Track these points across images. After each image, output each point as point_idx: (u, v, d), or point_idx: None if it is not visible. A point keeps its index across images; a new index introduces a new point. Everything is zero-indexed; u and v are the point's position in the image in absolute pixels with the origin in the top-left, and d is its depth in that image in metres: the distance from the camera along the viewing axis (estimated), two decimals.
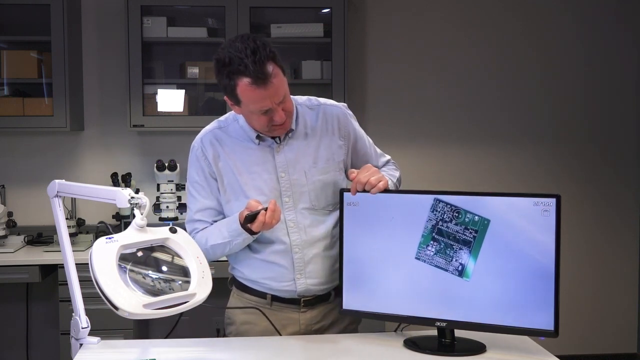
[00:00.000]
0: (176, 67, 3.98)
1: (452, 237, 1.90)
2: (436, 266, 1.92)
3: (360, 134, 2.18)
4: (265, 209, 1.89)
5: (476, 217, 1.88)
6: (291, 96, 2.04)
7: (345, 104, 2.18)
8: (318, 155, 2.07)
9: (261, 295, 2.10)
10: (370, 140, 2.23)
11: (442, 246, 1.91)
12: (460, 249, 1.89)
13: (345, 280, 2.01)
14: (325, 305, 2.12)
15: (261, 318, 2.06)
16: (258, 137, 2.04)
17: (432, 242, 1.92)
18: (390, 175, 2.17)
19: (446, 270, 1.90)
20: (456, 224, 1.90)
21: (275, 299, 2.09)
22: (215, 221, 2.09)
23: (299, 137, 2.07)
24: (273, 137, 2.04)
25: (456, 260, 1.90)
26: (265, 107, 1.90)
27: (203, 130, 2.12)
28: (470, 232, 1.89)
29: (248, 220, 1.91)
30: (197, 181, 2.09)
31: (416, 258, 1.94)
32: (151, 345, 1.94)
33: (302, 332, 2.10)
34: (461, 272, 1.89)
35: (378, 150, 2.26)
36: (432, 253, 1.92)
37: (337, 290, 2.09)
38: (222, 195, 2.07)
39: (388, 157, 2.29)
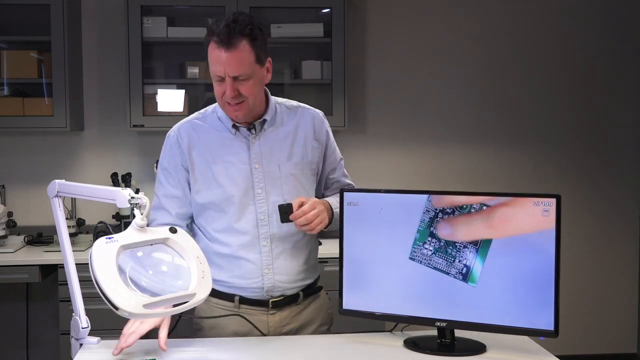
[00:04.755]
0: (176, 67, 3.98)
1: None
2: (435, 268, 1.79)
3: (331, 142, 2.21)
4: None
5: (485, 207, 1.66)
6: (273, 97, 2.10)
7: (323, 112, 2.21)
8: (292, 152, 2.10)
9: (229, 298, 2.10)
10: (341, 156, 2.25)
11: (442, 244, 1.77)
12: (465, 247, 1.72)
13: (345, 280, 2.00)
14: (293, 307, 2.12)
15: (228, 322, 2.07)
16: (234, 126, 2.07)
17: (429, 239, 1.76)
18: (335, 207, 2.11)
19: (447, 274, 1.76)
20: (460, 216, 1.72)
21: (243, 301, 2.09)
22: (179, 213, 2.10)
23: (274, 132, 2.10)
24: (249, 129, 2.07)
25: (459, 261, 1.74)
26: (218, 72, 1.93)
27: (182, 120, 2.16)
28: None
29: (282, 210, 1.95)
30: (167, 168, 2.12)
31: (410, 258, 1.80)
32: (151, 345, 1.93)
33: (270, 335, 2.09)
34: (466, 275, 1.72)
35: (345, 170, 2.27)
36: (429, 252, 1.79)
37: (306, 292, 2.12)
38: (192, 185, 2.09)
39: (350, 181, 2.28)
